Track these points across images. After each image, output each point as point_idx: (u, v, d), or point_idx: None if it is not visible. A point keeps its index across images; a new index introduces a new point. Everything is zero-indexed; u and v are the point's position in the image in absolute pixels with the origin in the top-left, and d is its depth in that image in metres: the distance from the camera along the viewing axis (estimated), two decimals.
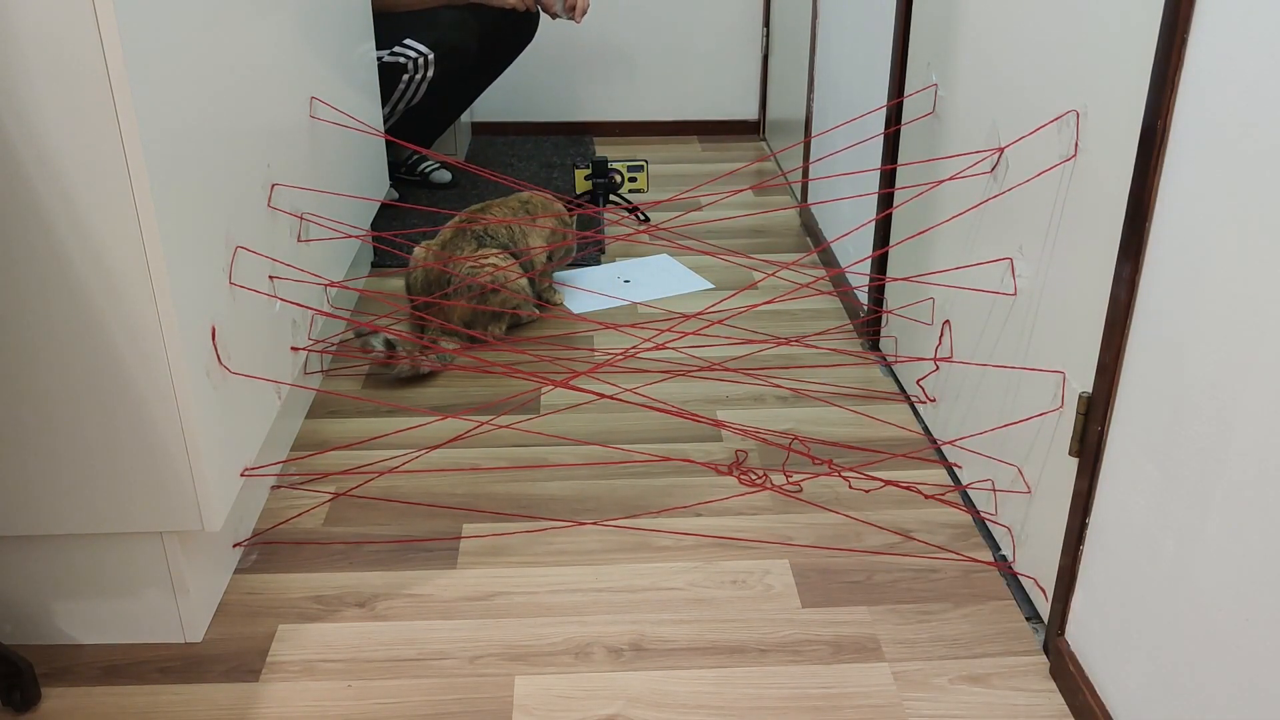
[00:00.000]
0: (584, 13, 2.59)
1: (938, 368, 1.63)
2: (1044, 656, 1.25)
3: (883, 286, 1.89)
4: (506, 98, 3.14)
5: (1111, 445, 1.11)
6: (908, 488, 1.55)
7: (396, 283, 2.24)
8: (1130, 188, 1.05)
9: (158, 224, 1.05)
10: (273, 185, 1.46)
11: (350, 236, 1.89)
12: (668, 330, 1.94)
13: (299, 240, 1.59)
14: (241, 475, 1.30)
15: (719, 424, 1.72)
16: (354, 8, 2.04)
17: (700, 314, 2.02)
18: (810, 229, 2.48)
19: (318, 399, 1.79)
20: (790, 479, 1.57)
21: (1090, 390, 1.14)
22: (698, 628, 1.30)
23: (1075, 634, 1.20)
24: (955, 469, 1.58)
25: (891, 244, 1.85)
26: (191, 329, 1.14)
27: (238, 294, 1.29)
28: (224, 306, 1.24)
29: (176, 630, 1.27)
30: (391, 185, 2.48)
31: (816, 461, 1.61)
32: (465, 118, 3.02)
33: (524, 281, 1.97)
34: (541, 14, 2.67)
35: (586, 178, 2.61)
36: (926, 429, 1.70)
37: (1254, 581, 0.87)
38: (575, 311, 2.11)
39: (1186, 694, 0.97)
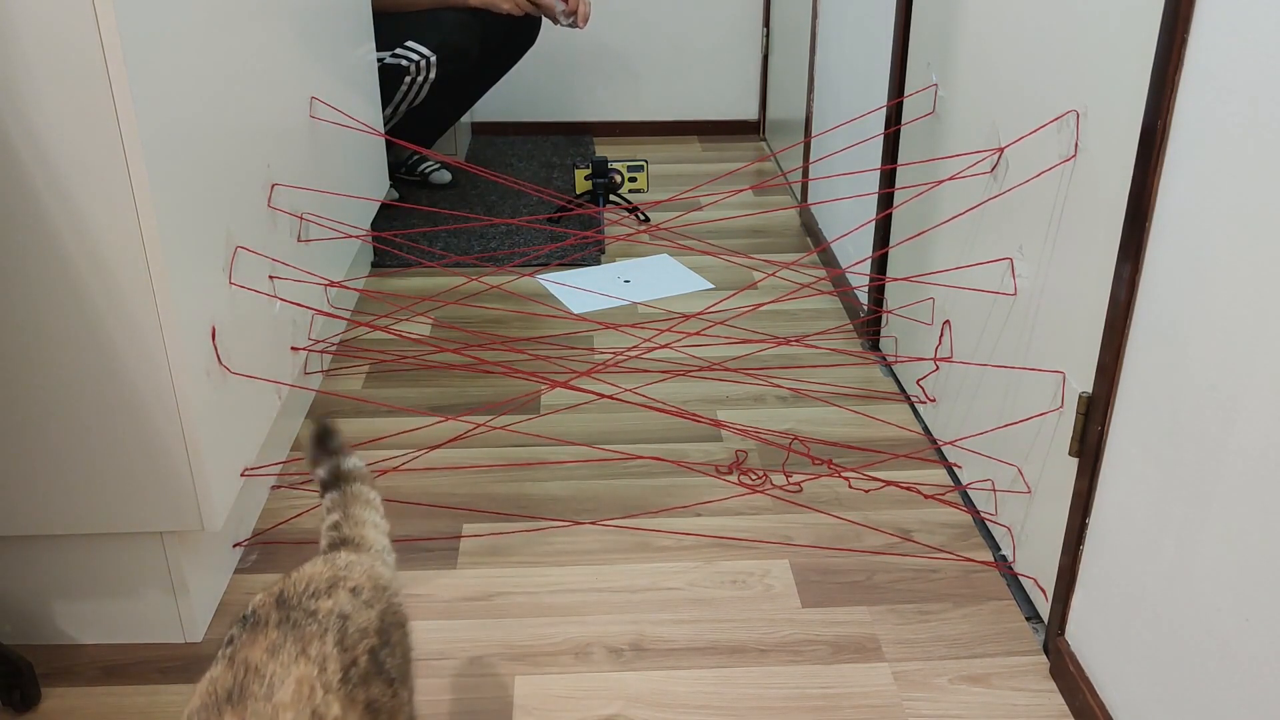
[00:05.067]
0: (586, 18, 2.59)
1: (938, 368, 1.63)
2: (1044, 656, 1.25)
3: (883, 286, 1.89)
4: (506, 98, 3.14)
5: (1111, 445, 1.11)
6: (908, 488, 1.55)
7: (397, 283, 2.25)
8: (1130, 188, 1.05)
9: (158, 224, 1.05)
10: (273, 185, 1.46)
11: (350, 236, 1.89)
12: (668, 330, 1.94)
13: (299, 240, 1.59)
14: (241, 475, 1.30)
15: (719, 424, 1.72)
16: (354, 8, 2.04)
17: (700, 314, 2.02)
18: (810, 229, 2.48)
19: (318, 399, 1.79)
20: (790, 479, 1.57)
21: (1090, 390, 1.14)
22: (698, 628, 1.30)
23: (1075, 634, 1.20)
24: (955, 469, 1.58)
25: (891, 244, 1.85)
26: (191, 329, 1.14)
27: (238, 294, 1.29)
28: (224, 306, 1.24)
29: (176, 630, 1.27)
30: (391, 185, 2.48)
31: (816, 462, 1.61)
32: (465, 118, 3.02)
33: None
34: (544, 20, 2.67)
35: (586, 178, 2.61)
36: (926, 429, 1.70)
37: (1254, 581, 0.87)
38: (575, 311, 2.11)
39: (1186, 694, 0.97)
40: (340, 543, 0.92)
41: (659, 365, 1.87)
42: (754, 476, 1.58)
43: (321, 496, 0.98)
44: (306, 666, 0.74)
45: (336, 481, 0.98)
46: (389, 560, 0.92)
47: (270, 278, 1.43)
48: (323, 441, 1.00)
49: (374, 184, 2.17)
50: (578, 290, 2.20)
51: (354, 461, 1.00)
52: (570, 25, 2.61)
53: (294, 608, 0.79)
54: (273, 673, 0.73)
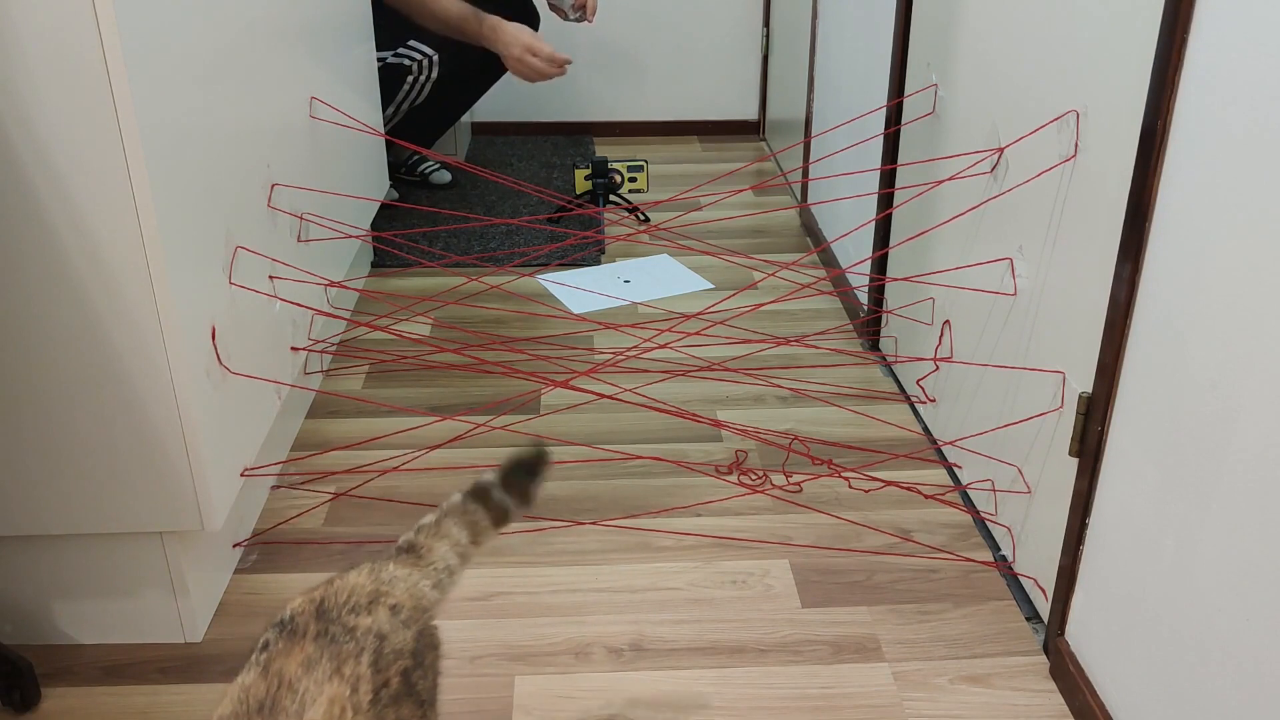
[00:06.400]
0: (595, 11, 2.60)
1: (938, 368, 1.63)
2: (1044, 656, 1.25)
3: (883, 286, 1.89)
4: (506, 98, 3.13)
5: (1111, 445, 1.11)
6: (908, 488, 1.55)
7: (397, 283, 2.24)
8: (1130, 188, 1.05)
9: (158, 224, 1.05)
10: (273, 185, 1.46)
11: (350, 236, 1.89)
12: (668, 330, 1.94)
13: (299, 240, 1.59)
14: (241, 475, 1.30)
15: (719, 424, 1.72)
16: (354, 8, 2.04)
17: (700, 314, 2.02)
18: (810, 229, 2.48)
19: (318, 399, 1.79)
20: (790, 479, 1.57)
21: (1090, 390, 1.14)
22: (698, 628, 1.30)
23: (1075, 634, 1.20)
24: (955, 469, 1.58)
25: (891, 244, 1.85)
26: (191, 329, 1.14)
27: (238, 294, 1.29)
28: (224, 306, 1.24)
29: (176, 630, 1.27)
30: (391, 185, 2.48)
31: (816, 462, 1.61)
32: (465, 118, 3.02)
33: None
34: (544, 17, 2.67)
35: (586, 178, 2.61)
36: (926, 429, 1.70)
37: (1254, 581, 0.87)
38: (575, 311, 2.11)
39: (1186, 694, 0.97)
40: (408, 547, 0.90)
41: (659, 365, 1.87)
42: (754, 476, 1.58)
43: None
44: (340, 686, 0.74)
45: (475, 495, 0.96)
46: (445, 581, 0.91)
47: (270, 278, 1.43)
48: (530, 468, 0.99)
49: (374, 184, 2.17)
50: (578, 290, 2.20)
51: (503, 497, 0.98)
52: (579, 20, 2.61)
53: (333, 621, 0.79)
54: (306, 689, 0.73)
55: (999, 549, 1.42)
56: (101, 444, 1.14)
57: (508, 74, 2.71)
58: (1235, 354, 0.90)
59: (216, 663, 1.24)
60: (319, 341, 1.72)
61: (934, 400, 1.67)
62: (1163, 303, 1.01)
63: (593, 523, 1.49)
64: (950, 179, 1.53)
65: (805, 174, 2.52)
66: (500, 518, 0.98)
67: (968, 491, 1.52)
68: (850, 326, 2.05)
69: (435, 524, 0.93)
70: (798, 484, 1.56)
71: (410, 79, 2.47)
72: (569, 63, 2.47)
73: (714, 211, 2.58)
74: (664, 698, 1.19)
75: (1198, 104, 0.95)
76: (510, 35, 2.42)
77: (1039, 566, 1.29)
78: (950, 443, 1.59)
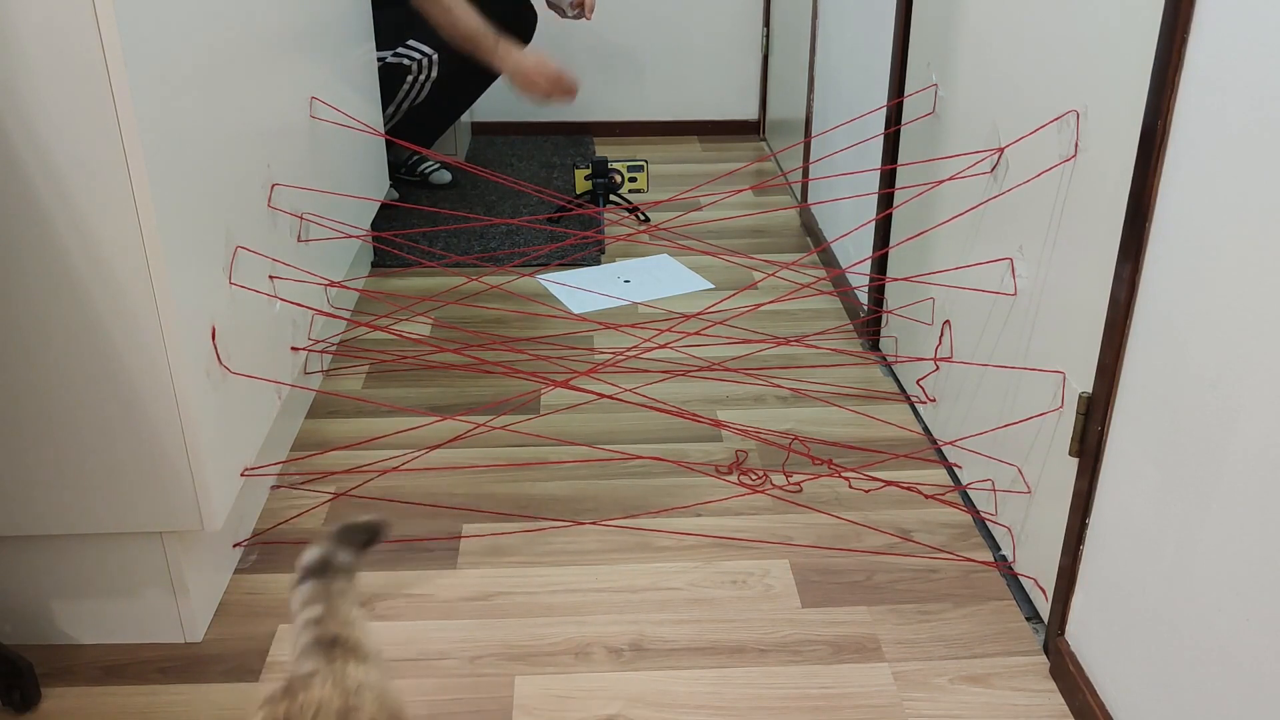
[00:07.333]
0: (593, 9, 2.60)
1: (938, 368, 1.63)
2: (1044, 656, 1.25)
3: (883, 286, 1.89)
4: (506, 98, 3.11)
5: (1111, 445, 1.11)
6: (908, 488, 1.55)
7: (397, 283, 2.25)
8: (1130, 188, 1.05)
9: (158, 224, 1.05)
10: (273, 185, 1.46)
11: (350, 236, 1.89)
12: (668, 330, 1.94)
13: (299, 240, 1.59)
14: (241, 475, 1.30)
15: (719, 424, 1.72)
16: (354, 8, 2.04)
17: (700, 314, 2.02)
18: (810, 229, 2.48)
19: (318, 399, 1.79)
20: (790, 479, 1.57)
21: (1090, 390, 1.14)
22: (698, 628, 1.30)
23: (1075, 634, 1.20)
24: (955, 469, 1.58)
25: (891, 244, 1.85)
26: (191, 329, 1.14)
27: (238, 294, 1.29)
28: (224, 306, 1.24)
29: (176, 630, 1.27)
30: (391, 185, 2.48)
31: (816, 462, 1.61)
32: (465, 118, 3.02)
33: None
34: (540, 16, 2.67)
35: (586, 178, 2.61)
36: (926, 429, 1.70)
37: (1254, 581, 0.87)
38: (575, 311, 2.11)
39: (1186, 694, 0.97)
40: (331, 642, 0.84)
41: (659, 365, 1.87)
42: (754, 476, 1.58)
43: (298, 582, 0.92)
44: None
45: (322, 570, 0.92)
46: (385, 663, 0.86)
47: (270, 278, 1.43)
48: (358, 536, 0.95)
49: (374, 184, 2.17)
50: (578, 290, 2.20)
51: (349, 559, 0.94)
52: (577, 17, 2.62)
53: None
54: None
55: (999, 549, 1.42)
56: (101, 444, 1.14)
57: None
58: (1235, 354, 0.90)
59: (216, 663, 1.24)
60: (319, 341, 1.72)
61: (934, 400, 1.67)
62: (1163, 303, 1.01)
63: (593, 523, 1.49)
64: (950, 179, 1.53)
65: (805, 174, 2.52)
66: (350, 576, 0.94)
67: (968, 491, 1.52)
68: (850, 326, 2.05)
69: (330, 613, 0.87)
70: (798, 484, 1.56)
71: (410, 78, 2.48)
72: (575, 91, 2.41)
73: (714, 211, 2.58)
74: (664, 698, 1.20)
75: (1198, 104, 0.95)
76: (516, 58, 2.39)
77: (1039, 566, 1.29)
78: (950, 443, 1.59)
